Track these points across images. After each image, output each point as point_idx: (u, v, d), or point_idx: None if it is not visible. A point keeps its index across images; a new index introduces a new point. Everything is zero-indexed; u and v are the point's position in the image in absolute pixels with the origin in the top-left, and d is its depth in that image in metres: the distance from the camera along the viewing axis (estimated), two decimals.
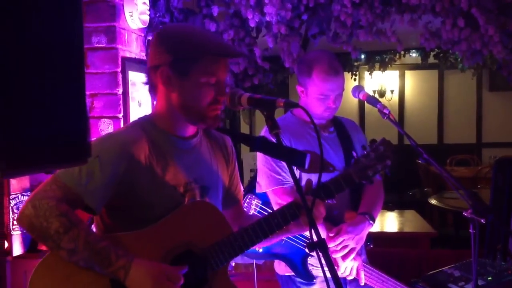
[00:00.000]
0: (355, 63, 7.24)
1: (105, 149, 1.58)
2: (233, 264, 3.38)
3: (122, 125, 3.10)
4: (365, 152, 2.00)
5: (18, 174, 0.89)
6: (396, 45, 3.51)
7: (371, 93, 6.97)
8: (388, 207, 4.89)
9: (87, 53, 3.08)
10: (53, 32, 0.85)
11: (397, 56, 6.98)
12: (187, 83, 1.60)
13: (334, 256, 2.22)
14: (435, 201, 5.44)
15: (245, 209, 2.28)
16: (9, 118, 0.78)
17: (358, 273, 2.28)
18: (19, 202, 3.03)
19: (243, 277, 3.38)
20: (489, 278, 2.16)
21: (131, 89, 3.19)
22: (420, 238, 4.22)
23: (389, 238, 4.23)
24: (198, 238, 1.65)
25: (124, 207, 1.61)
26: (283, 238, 2.15)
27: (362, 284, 2.30)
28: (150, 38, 3.44)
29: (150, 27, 3.40)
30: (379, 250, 3.39)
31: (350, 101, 7.34)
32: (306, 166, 1.58)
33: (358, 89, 2.41)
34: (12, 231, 3.01)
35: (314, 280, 2.34)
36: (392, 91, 8.72)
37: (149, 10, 3.32)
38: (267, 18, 3.38)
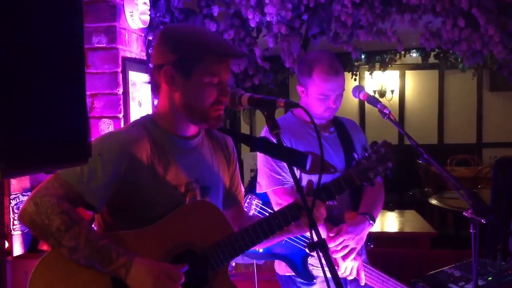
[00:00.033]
0: (356, 63, 7.24)
1: (107, 148, 1.58)
2: (234, 264, 3.38)
3: (122, 125, 3.10)
4: (367, 154, 2.01)
5: (18, 174, 0.89)
6: (397, 45, 3.51)
7: (372, 93, 6.97)
8: (389, 207, 4.89)
9: (87, 53, 3.09)
10: (54, 32, 0.85)
11: (398, 56, 6.98)
12: (190, 83, 1.60)
13: (334, 256, 2.22)
14: (435, 201, 5.43)
15: (246, 209, 2.28)
16: (9, 118, 0.78)
17: (358, 273, 2.28)
18: (19, 202, 3.03)
19: (243, 277, 3.38)
20: (490, 278, 2.16)
21: (131, 89, 3.19)
22: (420, 238, 4.22)
23: (389, 238, 4.23)
24: (199, 237, 1.65)
25: (125, 206, 1.61)
26: (284, 238, 2.15)
27: (363, 284, 2.30)
28: (150, 38, 3.44)
29: (151, 27, 3.40)
30: (379, 250, 3.39)
31: (351, 101, 7.34)
32: (307, 167, 1.58)
33: (359, 89, 2.41)
34: (12, 231, 3.01)
35: (315, 280, 2.34)
36: (392, 91, 8.72)
37: (150, 10, 3.32)
38: (268, 18, 3.38)
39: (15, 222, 3.02)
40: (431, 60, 6.75)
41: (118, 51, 3.09)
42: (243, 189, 1.96)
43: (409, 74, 8.95)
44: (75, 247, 1.49)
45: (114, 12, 3.08)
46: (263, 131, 2.31)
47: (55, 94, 0.85)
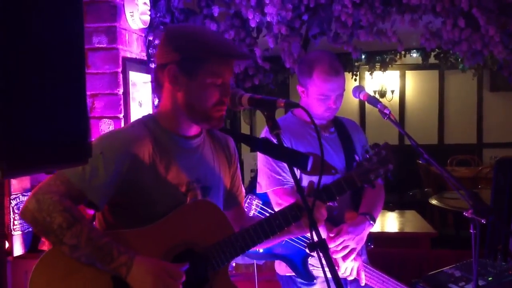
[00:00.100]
0: (356, 63, 7.24)
1: (109, 146, 1.59)
2: (234, 264, 3.38)
3: (122, 125, 3.10)
4: (368, 156, 2.01)
5: (18, 174, 0.89)
6: (397, 45, 3.52)
7: (372, 93, 6.96)
8: (389, 207, 4.89)
9: (87, 53, 3.09)
10: (54, 33, 0.85)
11: (398, 56, 6.97)
12: (193, 83, 1.61)
13: (334, 256, 2.22)
14: (435, 201, 5.43)
15: (246, 209, 2.28)
16: (10, 119, 0.78)
17: (358, 274, 2.28)
18: (19, 202, 3.04)
19: (243, 277, 3.38)
20: (490, 279, 2.16)
21: (131, 90, 3.19)
22: (420, 238, 4.22)
23: (389, 238, 4.23)
24: (200, 237, 1.65)
25: (126, 204, 1.62)
26: (284, 239, 2.15)
27: (363, 284, 2.30)
28: (150, 38, 3.44)
29: (151, 28, 3.40)
30: (379, 250, 3.38)
31: (351, 101, 7.33)
32: (309, 168, 1.58)
33: (359, 89, 2.41)
34: (12, 231, 3.01)
35: (315, 281, 2.34)
36: (392, 91, 8.72)
37: (150, 10, 3.32)
38: (268, 19, 3.38)
39: (16, 222, 3.02)
40: (432, 60, 6.75)
41: (118, 51, 3.09)
42: (243, 190, 1.96)
43: (410, 74, 8.95)
44: (77, 245, 1.49)
45: (115, 12, 3.08)
46: (263, 131, 2.31)
47: (56, 94, 0.86)
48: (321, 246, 1.38)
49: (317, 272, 2.34)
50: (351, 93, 2.45)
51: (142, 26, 3.25)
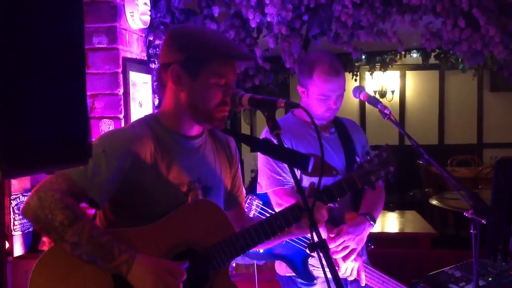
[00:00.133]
0: (356, 64, 7.24)
1: (111, 145, 1.59)
2: (234, 264, 3.38)
3: (123, 125, 3.10)
4: (369, 158, 2.02)
5: (19, 174, 0.89)
6: (397, 46, 3.52)
7: (372, 94, 6.96)
8: (389, 207, 4.89)
9: (88, 54, 3.09)
10: (54, 33, 0.85)
11: (398, 57, 6.97)
12: (197, 83, 1.61)
13: (335, 257, 2.22)
14: (436, 201, 5.43)
15: (246, 210, 2.28)
16: (10, 119, 0.78)
17: (358, 274, 2.28)
18: (20, 202, 3.03)
19: (244, 278, 3.38)
20: (490, 279, 2.15)
21: (132, 90, 3.19)
22: (421, 238, 4.22)
23: (390, 239, 4.23)
24: (200, 237, 1.66)
25: (127, 203, 1.62)
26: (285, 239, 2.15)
27: (363, 285, 2.30)
28: (151, 38, 3.44)
29: (151, 28, 3.40)
30: (380, 250, 3.38)
31: (351, 101, 7.34)
32: (310, 170, 1.58)
33: (359, 89, 2.41)
34: (13, 232, 3.01)
35: (315, 281, 2.34)
36: (393, 92, 8.72)
37: (150, 10, 3.32)
38: (268, 19, 3.38)
39: (16, 223, 3.02)
40: (432, 60, 6.75)
41: (118, 51, 3.09)
42: (244, 191, 1.96)
43: (410, 75, 8.95)
44: (78, 243, 1.49)
45: (115, 12, 3.08)
46: (263, 132, 2.31)
47: (56, 94, 0.86)
48: (322, 247, 1.38)
49: (317, 272, 2.34)
50: (351, 93, 2.45)
51: (142, 26, 3.25)
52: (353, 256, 2.24)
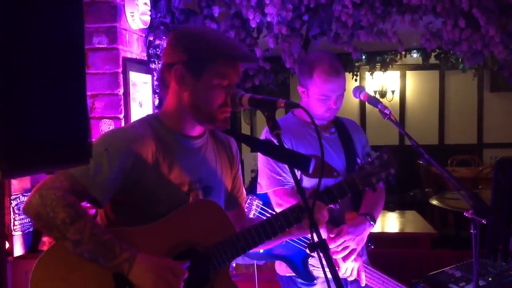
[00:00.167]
0: (356, 64, 7.25)
1: (113, 144, 1.59)
2: (234, 264, 3.38)
3: (123, 125, 3.10)
4: (370, 160, 2.02)
5: (19, 174, 0.89)
6: (397, 46, 3.52)
7: (372, 94, 6.95)
8: (389, 207, 4.89)
9: (88, 54, 3.09)
10: (54, 33, 0.85)
11: (398, 57, 6.98)
12: (200, 84, 1.62)
13: (335, 257, 2.22)
14: (436, 201, 5.43)
15: (246, 210, 2.28)
16: (10, 119, 0.78)
17: (359, 274, 2.28)
18: (20, 202, 3.03)
19: (244, 278, 3.38)
20: (490, 279, 2.15)
21: (132, 90, 3.19)
22: (421, 238, 4.22)
23: (390, 239, 4.23)
24: (202, 236, 1.66)
25: (129, 203, 1.62)
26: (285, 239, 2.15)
27: (363, 285, 2.30)
28: (151, 38, 3.44)
29: (151, 28, 3.40)
30: (380, 250, 3.38)
31: (351, 101, 7.34)
32: (311, 171, 1.58)
33: (359, 89, 2.41)
34: (13, 232, 3.01)
35: (315, 281, 2.34)
36: (393, 92, 8.72)
37: (150, 10, 3.32)
38: (268, 19, 3.38)
39: (16, 223, 3.02)
40: (432, 60, 6.75)
41: (118, 51, 3.09)
42: (244, 192, 1.96)
43: (410, 75, 8.95)
44: (80, 241, 1.49)
45: (115, 12, 3.08)
46: (263, 132, 2.31)
47: (56, 94, 0.85)
48: (322, 247, 1.38)
49: (318, 272, 2.34)
50: (352, 93, 2.45)
51: (142, 26, 3.25)
52: (353, 256, 2.24)
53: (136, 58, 3.31)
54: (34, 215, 1.51)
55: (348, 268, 2.26)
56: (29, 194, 1.55)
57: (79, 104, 0.90)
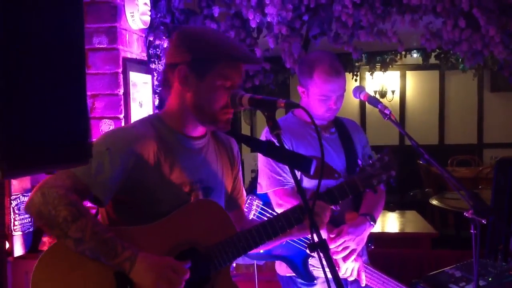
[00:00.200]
0: (356, 64, 7.25)
1: (115, 143, 1.60)
2: (234, 264, 3.38)
3: (123, 125, 3.10)
4: (371, 161, 2.02)
5: (19, 174, 0.89)
6: (397, 46, 3.52)
7: (372, 94, 6.95)
8: (389, 207, 4.89)
9: (88, 54, 3.09)
10: (54, 33, 0.85)
11: (398, 57, 6.98)
12: (203, 84, 1.62)
13: (335, 257, 2.22)
14: (436, 201, 5.43)
15: (246, 210, 2.28)
16: (10, 119, 0.78)
17: (359, 274, 2.28)
18: (20, 202, 3.03)
19: (244, 278, 3.38)
20: (490, 279, 2.15)
21: (132, 90, 3.19)
22: (421, 238, 4.22)
23: (390, 239, 4.23)
24: (203, 236, 1.66)
25: (130, 202, 1.62)
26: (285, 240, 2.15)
27: (363, 285, 2.30)
28: (151, 38, 3.44)
29: (151, 28, 3.40)
30: (380, 250, 3.38)
31: (351, 101, 7.34)
32: (312, 172, 1.58)
33: (359, 89, 2.41)
34: (13, 232, 3.01)
35: (315, 281, 2.34)
36: (393, 92, 8.72)
37: (150, 10, 3.32)
38: (268, 19, 3.38)
39: (16, 223, 3.02)
40: (432, 60, 6.75)
41: (118, 51, 3.09)
42: (244, 194, 1.96)
43: (410, 75, 8.95)
44: (81, 239, 1.49)
45: (115, 12, 3.08)
46: (263, 132, 2.31)
47: (56, 94, 0.85)
48: (322, 247, 1.38)
49: (318, 272, 2.34)
50: (352, 93, 2.45)
51: (142, 26, 3.25)
52: (353, 257, 2.24)
53: (136, 58, 3.31)
54: (35, 213, 1.51)
55: (348, 268, 2.26)
56: (29, 194, 1.55)
57: (79, 104, 0.90)
